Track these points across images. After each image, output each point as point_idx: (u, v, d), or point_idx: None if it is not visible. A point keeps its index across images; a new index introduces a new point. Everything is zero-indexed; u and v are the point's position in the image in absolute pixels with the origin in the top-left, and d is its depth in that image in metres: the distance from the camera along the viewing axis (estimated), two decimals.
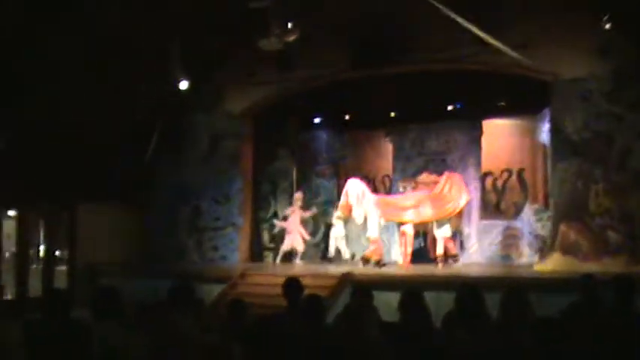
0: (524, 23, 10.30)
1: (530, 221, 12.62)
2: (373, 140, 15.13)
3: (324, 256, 13.94)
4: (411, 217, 12.00)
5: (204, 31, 11.48)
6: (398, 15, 11.07)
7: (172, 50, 11.23)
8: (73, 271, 12.39)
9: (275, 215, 14.09)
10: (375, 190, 13.37)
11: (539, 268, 10.52)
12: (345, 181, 12.88)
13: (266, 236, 14.12)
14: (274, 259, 13.40)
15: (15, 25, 10.04)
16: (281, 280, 5.29)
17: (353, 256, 13.39)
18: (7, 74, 10.30)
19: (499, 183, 13.56)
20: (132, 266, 12.40)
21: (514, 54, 9.77)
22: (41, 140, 11.04)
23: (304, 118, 14.96)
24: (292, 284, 5.13)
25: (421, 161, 14.06)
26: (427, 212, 11.96)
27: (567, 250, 10.35)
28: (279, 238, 13.46)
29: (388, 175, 14.66)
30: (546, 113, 11.71)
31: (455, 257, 12.26)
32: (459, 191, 12.03)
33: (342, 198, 12.21)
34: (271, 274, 11.17)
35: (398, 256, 12.62)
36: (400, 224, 12.40)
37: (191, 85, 11.86)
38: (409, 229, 11.93)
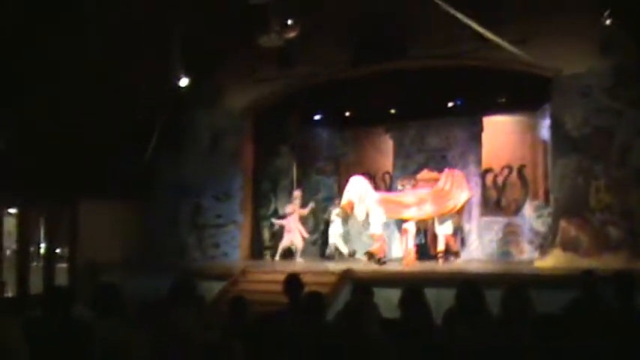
0: (524, 19, 10.29)
1: (530, 218, 12.63)
2: (373, 137, 15.12)
3: (323, 254, 13.94)
4: (413, 214, 11.99)
5: (205, 28, 11.46)
6: (398, 11, 11.07)
7: (172, 48, 11.22)
8: (73, 268, 12.40)
9: (276, 212, 14.10)
10: (375, 187, 13.37)
11: (540, 264, 10.53)
12: (346, 178, 12.88)
13: (266, 234, 14.13)
14: (272, 256, 13.40)
15: (15, 25, 10.03)
16: (282, 278, 5.29)
17: (354, 253, 13.40)
18: (7, 74, 10.29)
19: (499, 179, 13.55)
20: (133, 263, 12.40)
21: (514, 49, 9.76)
22: (42, 138, 11.05)
23: (305, 115, 14.95)
24: (293, 281, 5.14)
25: (421, 158, 14.06)
26: (429, 209, 11.95)
27: (568, 246, 10.34)
28: (279, 235, 13.47)
29: (388, 172, 14.66)
30: (546, 109, 11.69)
31: (456, 254, 12.28)
32: (459, 188, 12.03)
33: (345, 195, 12.19)
34: (272, 271, 11.18)
35: (398, 253, 12.63)
36: (402, 221, 12.40)
37: (191, 83, 11.85)
38: (411, 227, 11.92)
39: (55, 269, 12.26)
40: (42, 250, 12.49)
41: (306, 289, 5.04)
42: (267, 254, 13.88)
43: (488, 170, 13.59)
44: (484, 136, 13.53)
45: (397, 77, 12.25)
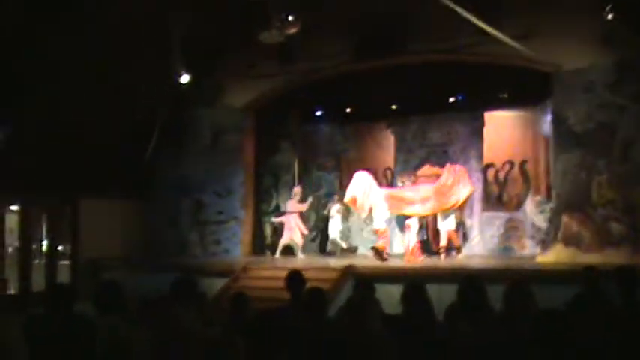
0: (525, 14, 10.26)
1: (532, 213, 12.62)
2: (375, 133, 15.10)
3: (323, 250, 13.93)
4: (417, 210, 11.98)
5: (205, 25, 11.45)
6: (398, 6, 11.04)
7: (173, 45, 11.21)
8: (75, 265, 12.43)
9: (277, 208, 14.09)
10: (377, 183, 13.35)
11: (542, 259, 10.52)
12: (347, 174, 12.86)
13: (268, 230, 14.13)
14: (273, 253, 13.38)
15: (15, 25, 10.02)
16: (283, 274, 5.29)
17: (355, 249, 13.38)
18: (7, 74, 10.29)
19: (501, 175, 13.52)
20: (134, 260, 12.42)
21: (515, 44, 9.73)
22: (43, 137, 11.06)
23: (306, 111, 14.94)
24: (295, 277, 5.13)
25: (423, 153, 14.06)
26: (432, 205, 11.95)
27: (569, 241, 10.34)
28: (280, 232, 13.47)
29: (390, 168, 14.64)
30: (548, 105, 11.67)
31: (458, 249, 12.28)
32: (461, 183, 12.02)
33: (349, 191, 12.16)
34: (274, 267, 11.18)
35: (399, 249, 12.62)
36: (402, 217, 12.39)
37: (192, 81, 11.85)
38: (414, 223, 11.91)
39: (57, 266, 12.27)
40: (44, 248, 12.51)
41: (308, 284, 5.04)
42: (268, 251, 13.88)
43: (489, 165, 13.57)
44: (485, 131, 13.52)
45: (398, 73, 12.23)
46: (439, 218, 12.22)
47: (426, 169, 13.13)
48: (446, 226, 12.09)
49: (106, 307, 4.12)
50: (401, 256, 11.86)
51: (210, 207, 13.66)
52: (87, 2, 10.31)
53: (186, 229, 13.74)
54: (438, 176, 12.38)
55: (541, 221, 12.44)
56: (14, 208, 12.09)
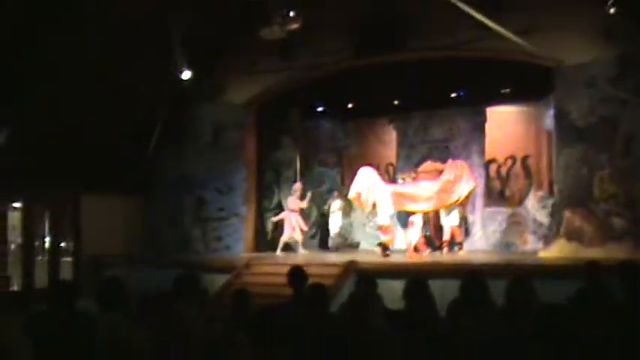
0: (526, 8, 10.21)
1: (534, 208, 12.60)
2: (376, 128, 15.09)
3: (324, 246, 13.93)
4: (420, 206, 11.97)
5: (206, 22, 11.43)
6: (400, 2, 11.01)
7: (174, 42, 11.19)
8: (78, 262, 12.44)
9: (279, 204, 14.08)
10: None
11: (544, 254, 10.51)
12: (349, 170, 12.85)
13: (270, 226, 14.13)
14: (273, 249, 13.36)
15: (15, 25, 10.01)
16: (285, 270, 5.29)
17: (357, 245, 13.38)
18: (7, 74, 10.29)
19: (503, 170, 13.51)
20: (136, 257, 12.44)
21: (517, 39, 9.70)
22: (45, 136, 11.06)
23: (307, 107, 14.93)
24: (297, 273, 5.14)
25: (425, 148, 14.05)
26: (435, 201, 11.93)
27: (572, 236, 10.33)
28: (281, 228, 13.47)
29: (392, 164, 14.63)
30: (550, 99, 11.63)
31: (460, 244, 12.28)
32: (464, 178, 11.99)
33: (353, 186, 12.14)
34: (276, 263, 11.18)
35: (402, 245, 12.62)
36: (405, 213, 12.37)
37: (193, 76, 11.85)
38: (418, 219, 11.90)
39: (60, 263, 12.29)
40: (46, 244, 12.52)
41: (310, 280, 5.04)
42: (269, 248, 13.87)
43: (491, 161, 13.56)
44: (487, 126, 13.50)
45: (400, 68, 12.22)
46: (442, 213, 12.22)
47: (427, 165, 13.12)
48: (449, 222, 12.09)
49: (109, 304, 4.12)
50: (403, 251, 11.86)
51: (211, 204, 13.66)
52: (87, 2, 10.30)
53: (188, 226, 13.75)
54: (438, 172, 12.36)
55: (543, 216, 12.44)
56: (17, 205, 12.10)
